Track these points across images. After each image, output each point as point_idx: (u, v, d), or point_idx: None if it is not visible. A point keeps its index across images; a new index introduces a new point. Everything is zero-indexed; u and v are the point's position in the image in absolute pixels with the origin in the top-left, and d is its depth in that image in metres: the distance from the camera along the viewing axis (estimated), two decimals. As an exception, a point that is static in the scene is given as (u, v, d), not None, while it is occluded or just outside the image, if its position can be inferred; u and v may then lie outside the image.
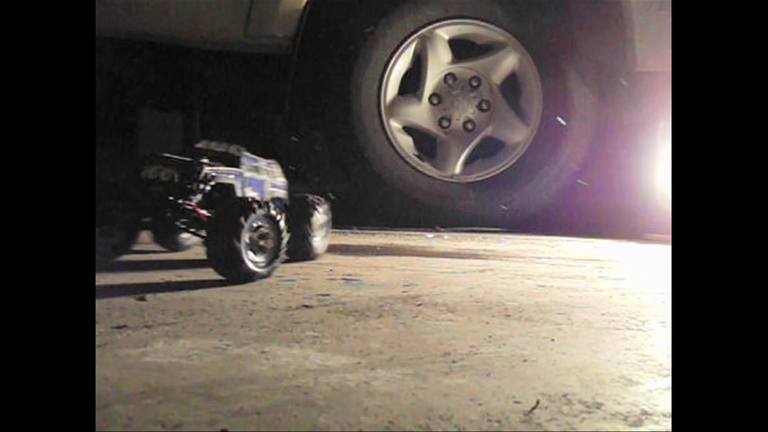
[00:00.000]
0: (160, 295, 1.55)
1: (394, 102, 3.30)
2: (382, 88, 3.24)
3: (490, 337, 1.30)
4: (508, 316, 1.49)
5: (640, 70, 3.28)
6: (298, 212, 2.15)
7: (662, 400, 0.99)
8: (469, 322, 1.41)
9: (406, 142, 3.33)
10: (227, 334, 1.25)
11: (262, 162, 2.11)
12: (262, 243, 1.75)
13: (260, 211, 1.72)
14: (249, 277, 1.72)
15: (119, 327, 1.26)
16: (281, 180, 2.21)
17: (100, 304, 1.40)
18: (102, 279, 1.69)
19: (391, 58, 3.23)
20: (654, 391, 1.03)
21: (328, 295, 1.62)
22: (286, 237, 1.80)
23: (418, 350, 1.19)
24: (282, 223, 1.78)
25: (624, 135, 3.43)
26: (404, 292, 1.71)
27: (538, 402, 0.96)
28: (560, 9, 3.32)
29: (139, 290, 1.58)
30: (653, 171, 3.39)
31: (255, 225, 1.72)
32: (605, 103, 3.41)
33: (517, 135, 3.41)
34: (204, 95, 3.45)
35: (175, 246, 2.22)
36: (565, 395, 0.99)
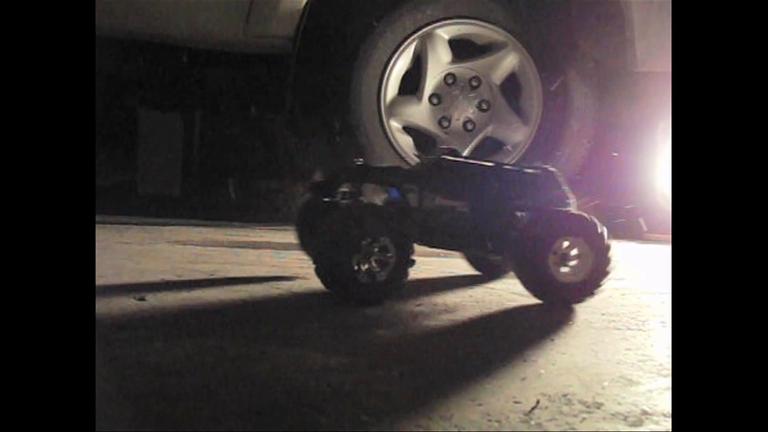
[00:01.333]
0: (160, 295, 1.55)
1: (394, 102, 3.30)
2: (382, 88, 3.24)
3: (490, 336, 1.30)
4: (509, 316, 1.49)
5: (640, 70, 3.28)
6: (537, 232, 1.59)
7: (662, 400, 0.99)
8: (470, 322, 1.41)
9: (406, 142, 3.33)
10: (227, 334, 1.25)
11: (494, 167, 1.73)
12: (380, 258, 1.48)
13: (372, 220, 1.47)
14: (354, 295, 1.49)
15: (119, 327, 1.26)
16: (546, 191, 1.69)
17: (100, 304, 1.40)
18: (102, 279, 1.69)
19: (391, 58, 3.23)
20: (654, 391, 1.03)
21: (328, 295, 1.62)
22: (410, 254, 1.50)
23: (419, 350, 1.19)
24: (404, 237, 1.50)
25: (624, 135, 3.44)
26: (404, 292, 1.71)
27: (538, 402, 0.96)
28: (560, 9, 3.32)
29: (139, 290, 1.58)
30: (653, 171, 3.39)
31: (369, 238, 1.46)
32: (605, 103, 3.41)
33: (517, 135, 3.41)
34: (204, 95, 3.45)
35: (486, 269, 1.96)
36: (565, 395, 0.99)
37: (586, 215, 1.60)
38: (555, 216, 1.62)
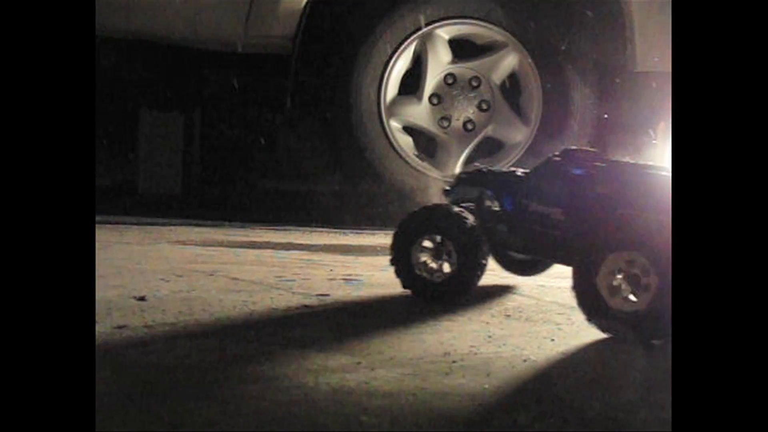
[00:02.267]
0: (160, 295, 1.55)
1: (394, 102, 3.30)
2: (382, 88, 3.24)
3: (490, 337, 1.30)
4: (508, 316, 1.49)
5: (640, 70, 3.28)
6: (584, 245, 1.32)
7: (662, 400, 0.99)
8: (469, 322, 1.41)
9: (406, 142, 3.33)
10: (227, 334, 1.25)
11: (615, 168, 1.49)
12: (444, 260, 1.51)
13: (435, 222, 1.52)
14: (411, 286, 1.56)
15: (119, 327, 1.26)
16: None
17: (100, 304, 1.40)
18: (102, 279, 1.69)
19: (391, 58, 3.23)
20: (654, 390, 1.03)
21: (328, 295, 1.62)
22: (478, 262, 1.50)
23: (418, 350, 1.19)
24: (469, 244, 1.48)
25: (624, 135, 3.44)
26: (404, 292, 1.71)
27: (535, 401, 0.96)
28: (560, 9, 3.33)
29: (139, 290, 1.58)
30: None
31: (429, 236, 1.52)
32: (605, 103, 3.41)
33: (517, 135, 3.41)
34: (204, 95, 3.45)
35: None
36: (564, 395, 0.99)
37: (654, 221, 1.22)
38: (609, 223, 1.26)
